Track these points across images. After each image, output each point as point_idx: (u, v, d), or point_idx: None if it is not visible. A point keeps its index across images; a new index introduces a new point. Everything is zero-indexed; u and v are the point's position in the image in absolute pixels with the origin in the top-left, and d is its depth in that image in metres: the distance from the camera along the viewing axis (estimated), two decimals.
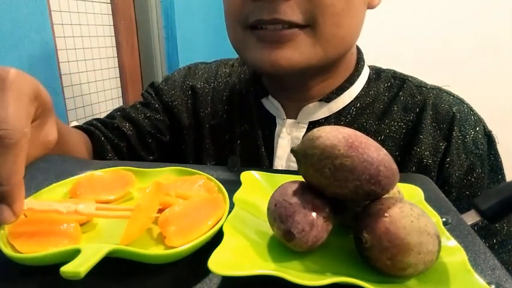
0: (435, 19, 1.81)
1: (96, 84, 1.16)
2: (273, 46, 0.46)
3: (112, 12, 1.44)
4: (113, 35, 1.43)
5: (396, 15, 1.80)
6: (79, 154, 0.53)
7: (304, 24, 0.45)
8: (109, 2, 1.42)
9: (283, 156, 0.54)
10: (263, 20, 0.45)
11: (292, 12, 0.44)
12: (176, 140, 0.63)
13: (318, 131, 0.27)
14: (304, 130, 0.54)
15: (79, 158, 0.51)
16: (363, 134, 0.26)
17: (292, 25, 0.45)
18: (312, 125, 0.54)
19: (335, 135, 0.26)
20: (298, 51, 0.46)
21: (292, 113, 0.56)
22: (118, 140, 0.61)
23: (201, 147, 0.61)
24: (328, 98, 0.54)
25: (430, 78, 0.59)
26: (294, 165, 0.54)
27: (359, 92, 0.55)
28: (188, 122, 0.62)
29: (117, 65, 1.34)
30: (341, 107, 0.54)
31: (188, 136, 0.62)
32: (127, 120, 0.62)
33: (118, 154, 0.61)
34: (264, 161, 0.56)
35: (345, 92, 0.54)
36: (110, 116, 0.64)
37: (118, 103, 1.41)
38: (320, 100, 0.54)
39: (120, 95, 1.31)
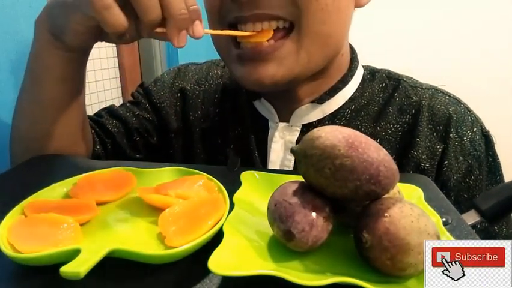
0: (431, 17, 1.80)
1: (96, 84, 1.15)
2: (255, 64, 0.45)
3: None
4: None
5: (393, 13, 1.80)
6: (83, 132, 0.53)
7: (288, 20, 0.44)
8: None
9: (276, 161, 0.53)
10: (243, 17, 0.44)
11: (273, 6, 0.43)
12: (164, 143, 0.62)
13: (318, 131, 0.27)
14: (298, 133, 0.53)
15: (79, 158, 0.51)
16: (363, 134, 0.26)
17: (273, 19, 0.44)
18: (306, 128, 0.53)
19: (334, 135, 0.26)
20: (282, 65, 0.45)
21: (285, 116, 0.54)
22: (103, 136, 0.59)
23: (191, 152, 0.59)
24: (320, 100, 0.52)
25: (426, 77, 0.58)
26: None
27: (353, 93, 0.54)
28: (176, 125, 0.61)
29: (117, 65, 1.33)
30: (334, 109, 0.53)
31: (177, 140, 0.61)
32: (113, 118, 0.61)
33: (104, 149, 0.59)
34: (257, 166, 0.54)
35: (338, 93, 0.53)
36: (98, 114, 0.63)
37: (118, 103, 1.40)
38: (312, 102, 0.52)
39: (120, 95, 1.30)
